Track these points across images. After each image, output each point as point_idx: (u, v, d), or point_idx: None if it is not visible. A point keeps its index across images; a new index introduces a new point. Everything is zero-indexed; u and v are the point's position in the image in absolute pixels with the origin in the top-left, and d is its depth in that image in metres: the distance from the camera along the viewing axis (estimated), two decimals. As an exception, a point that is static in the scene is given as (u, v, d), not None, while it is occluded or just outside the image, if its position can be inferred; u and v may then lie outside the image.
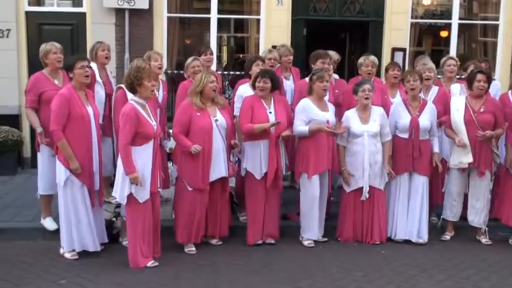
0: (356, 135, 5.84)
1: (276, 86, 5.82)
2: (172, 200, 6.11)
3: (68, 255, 5.39)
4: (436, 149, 5.97)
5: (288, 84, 6.76)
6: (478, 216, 6.05)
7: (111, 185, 5.93)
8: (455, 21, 9.11)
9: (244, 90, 6.01)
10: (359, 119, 5.88)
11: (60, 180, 5.27)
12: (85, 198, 5.32)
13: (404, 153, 5.91)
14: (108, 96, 6.23)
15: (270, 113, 5.72)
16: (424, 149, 5.90)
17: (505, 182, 6.08)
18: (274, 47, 7.23)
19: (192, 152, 5.33)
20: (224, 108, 5.68)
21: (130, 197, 5.09)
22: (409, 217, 5.96)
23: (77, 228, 5.31)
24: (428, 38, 10.18)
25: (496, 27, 9.27)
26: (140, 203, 5.10)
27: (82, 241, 5.36)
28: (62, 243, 5.41)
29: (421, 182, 5.93)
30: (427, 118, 5.89)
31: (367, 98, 5.82)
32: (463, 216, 6.16)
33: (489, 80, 5.99)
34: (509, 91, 6.46)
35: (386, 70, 6.57)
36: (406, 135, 5.92)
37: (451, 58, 6.97)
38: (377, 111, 5.94)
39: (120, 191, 5.10)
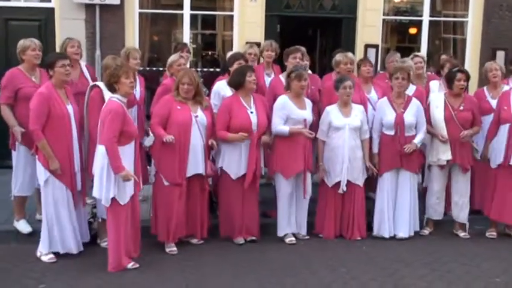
0: (337, 129, 5.83)
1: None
2: (150, 199, 5.97)
3: (45, 258, 5.20)
4: (416, 140, 5.91)
5: (270, 81, 6.69)
6: (462, 212, 6.12)
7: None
8: (426, 18, 9.20)
9: (221, 87, 5.90)
10: (340, 112, 5.86)
11: (40, 181, 5.13)
12: (67, 198, 5.16)
13: (392, 150, 5.91)
14: (81, 94, 6.04)
15: (252, 113, 5.65)
16: None
17: (486, 174, 6.16)
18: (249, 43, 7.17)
19: (164, 141, 5.21)
20: (206, 108, 5.58)
21: (113, 199, 4.94)
22: (396, 213, 5.97)
23: (58, 229, 5.16)
24: (398, 35, 10.27)
25: (464, 24, 9.41)
26: (121, 205, 4.96)
27: (64, 243, 5.19)
28: (43, 244, 5.21)
29: (408, 178, 5.95)
30: (411, 114, 5.91)
31: (348, 95, 5.81)
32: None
33: (468, 78, 6.06)
34: (485, 87, 6.58)
35: (358, 66, 6.59)
36: (392, 132, 5.93)
37: (417, 55, 7.06)
38: (357, 108, 5.95)
39: (105, 193, 4.92)
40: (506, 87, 6.39)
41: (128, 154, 4.95)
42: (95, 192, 4.99)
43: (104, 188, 4.90)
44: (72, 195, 5.19)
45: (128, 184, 4.96)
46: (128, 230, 5.06)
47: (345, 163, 5.81)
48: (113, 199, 4.92)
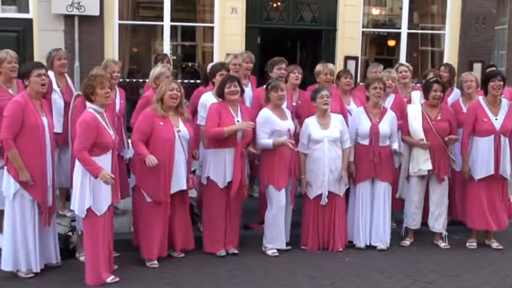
0: (316, 141, 5.82)
1: (242, 90, 5.77)
2: (130, 212, 5.88)
3: (22, 274, 5.04)
4: (394, 146, 5.95)
5: (247, 92, 6.65)
6: (437, 222, 6.14)
7: (67, 198, 5.67)
8: (404, 31, 9.31)
9: (207, 99, 5.86)
10: (319, 125, 5.86)
11: (8, 194, 4.93)
12: (35, 215, 4.98)
13: (366, 160, 5.93)
14: (69, 104, 5.96)
15: (238, 121, 5.62)
16: (384, 155, 5.94)
17: (465, 186, 6.19)
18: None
19: (147, 164, 5.14)
20: (188, 120, 5.53)
21: (88, 210, 4.83)
22: (373, 223, 5.98)
23: (23, 247, 4.95)
24: (377, 47, 10.37)
25: (441, 36, 9.53)
26: (98, 215, 4.86)
27: (28, 261, 5.00)
28: (4, 263, 4.97)
29: (382, 188, 5.96)
30: (387, 125, 5.94)
31: (325, 104, 5.81)
32: (422, 222, 6.23)
33: (444, 89, 6.10)
34: (460, 98, 6.63)
35: (339, 78, 6.60)
36: (366, 142, 5.95)
37: (402, 65, 7.12)
38: (336, 118, 5.96)
39: (78, 204, 4.83)
40: (480, 98, 6.41)
41: (104, 165, 4.83)
42: (72, 204, 4.88)
43: (77, 199, 4.80)
44: (42, 212, 5.00)
45: (104, 194, 4.85)
46: (106, 242, 4.95)
47: (326, 176, 5.80)
48: (89, 210, 4.82)
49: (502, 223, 6.11)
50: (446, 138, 5.91)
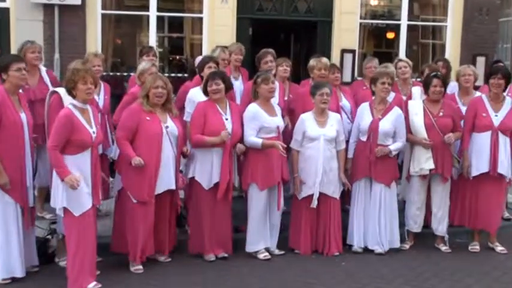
0: (312, 139, 5.81)
1: (229, 86, 5.72)
2: (113, 214, 5.85)
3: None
4: (392, 147, 5.90)
5: (237, 85, 6.68)
6: (441, 225, 6.17)
7: (46, 198, 5.63)
8: (403, 23, 9.31)
9: (195, 94, 5.83)
10: (315, 122, 5.85)
11: None
12: (17, 217, 4.96)
13: (362, 156, 5.94)
14: (40, 101, 5.91)
15: (227, 119, 5.60)
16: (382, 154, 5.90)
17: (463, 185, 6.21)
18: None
19: (132, 164, 5.12)
20: (176, 116, 5.51)
21: (65, 210, 4.80)
22: (368, 226, 5.98)
23: (5, 251, 4.93)
24: (375, 39, 10.38)
25: (443, 28, 9.55)
26: (75, 216, 4.80)
27: (9, 267, 4.97)
28: None
29: (378, 190, 5.95)
30: (389, 122, 5.92)
31: (324, 103, 5.80)
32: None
33: (445, 83, 6.12)
34: (456, 92, 6.66)
35: None
36: (365, 138, 5.96)
37: (401, 60, 7.14)
38: (334, 116, 5.95)
39: (54, 203, 4.82)
40: (478, 94, 6.44)
41: (81, 164, 4.82)
42: (52, 202, 4.86)
43: (54, 196, 4.79)
44: (23, 213, 4.98)
45: (83, 194, 4.81)
46: (89, 245, 4.90)
47: (318, 177, 5.78)
48: (66, 210, 4.79)
49: (494, 224, 6.14)
50: (445, 137, 5.90)
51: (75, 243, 4.84)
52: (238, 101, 6.37)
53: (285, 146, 5.66)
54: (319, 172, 5.78)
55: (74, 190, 4.71)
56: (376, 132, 5.88)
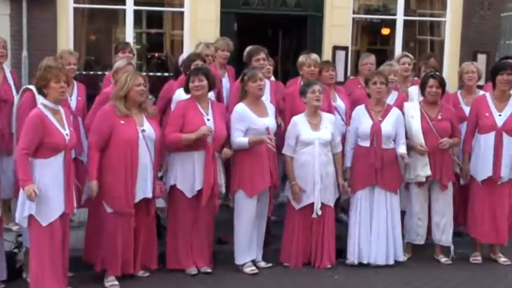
0: (306, 144, 5.79)
1: (212, 84, 5.68)
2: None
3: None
4: (400, 150, 5.86)
5: (224, 83, 6.65)
6: (445, 234, 6.15)
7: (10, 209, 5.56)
8: (400, 18, 9.34)
9: (182, 95, 5.79)
10: (309, 125, 5.83)
11: None
12: None
13: (365, 164, 5.90)
14: (5, 102, 5.84)
15: (208, 120, 5.57)
16: (387, 159, 5.89)
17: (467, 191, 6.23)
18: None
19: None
20: (152, 116, 5.47)
21: (32, 218, 4.75)
22: (372, 238, 5.95)
23: None
24: (369, 35, 10.41)
25: (442, 24, 9.60)
26: (43, 226, 4.75)
27: None
28: None
29: (383, 198, 5.94)
30: (390, 124, 5.92)
31: (317, 100, 5.78)
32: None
33: (442, 84, 6.09)
34: (458, 91, 6.68)
35: (320, 71, 6.54)
36: (367, 143, 5.92)
37: (406, 56, 7.11)
38: (328, 117, 5.93)
39: (19, 211, 4.76)
40: (481, 92, 6.46)
41: (53, 168, 4.78)
42: (18, 211, 4.79)
43: (19, 203, 4.73)
44: None
45: (53, 201, 4.76)
46: (57, 258, 4.86)
47: (317, 183, 5.77)
48: (33, 219, 4.73)
49: (502, 237, 6.13)
50: (439, 142, 5.88)
51: (40, 256, 4.78)
52: (225, 99, 6.37)
53: (273, 138, 5.63)
54: (317, 178, 5.76)
55: (59, 191, 4.72)
56: (379, 136, 5.86)
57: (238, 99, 5.84)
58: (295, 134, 5.82)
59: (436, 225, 6.16)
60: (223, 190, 5.84)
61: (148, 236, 5.56)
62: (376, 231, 5.94)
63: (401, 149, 5.87)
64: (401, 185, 6.12)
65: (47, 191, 4.74)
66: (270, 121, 5.79)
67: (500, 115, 6.01)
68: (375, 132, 5.87)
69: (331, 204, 5.94)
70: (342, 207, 6.30)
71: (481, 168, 6.04)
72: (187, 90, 5.64)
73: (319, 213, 5.81)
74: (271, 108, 5.90)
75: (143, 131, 5.29)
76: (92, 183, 5.16)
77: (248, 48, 6.52)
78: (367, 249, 5.95)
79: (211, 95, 5.87)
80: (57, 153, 4.82)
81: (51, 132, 4.76)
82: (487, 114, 6.02)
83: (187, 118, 5.51)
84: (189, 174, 5.55)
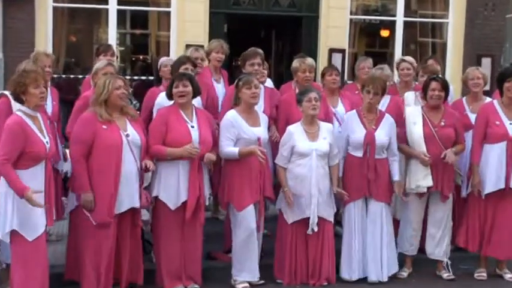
0: (302, 155, 5.77)
1: (196, 91, 5.66)
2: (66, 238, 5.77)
3: None
4: (397, 177, 5.97)
5: (219, 88, 6.64)
6: (438, 248, 6.14)
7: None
8: (399, 19, 9.39)
9: (165, 98, 5.77)
10: (305, 135, 5.82)
11: None
12: None
13: (358, 175, 5.91)
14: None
15: (192, 127, 5.55)
16: (380, 169, 5.91)
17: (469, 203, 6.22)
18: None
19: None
20: (136, 120, 5.46)
21: (15, 234, 4.71)
22: (366, 252, 5.95)
23: None
24: (368, 38, 10.45)
25: (444, 25, 9.65)
26: (29, 241, 4.73)
27: None
28: None
29: (378, 209, 5.95)
30: (384, 133, 5.93)
31: (314, 109, 5.77)
32: (421, 248, 6.25)
33: (445, 87, 6.11)
34: (463, 98, 6.70)
35: (323, 75, 6.59)
36: (360, 153, 5.92)
37: (405, 60, 7.12)
38: (326, 127, 5.92)
39: (1, 227, 4.71)
40: (488, 99, 6.47)
41: (34, 180, 4.74)
42: None
43: (1, 218, 4.70)
44: None
45: (37, 214, 4.73)
46: (40, 274, 4.82)
47: (314, 197, 5.75)
48: (16, 234, 4.70)
49: (506, 252, 6.13)
50: (442, 155, 5.88)
51: (25, 275, 4.75)
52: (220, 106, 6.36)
53: (265, 150, 5.61)
54: (314, 192, 5.74)
55: (24, 212, 4.65)
56: (373, 146, 5.87)
57: (231, 105, 5.84)
58: (290, 145, 5.79)
59: (432, 237, 6.15)
60: (207, 202, 5.82)
61: (135, 248, 5.52)
62: (370, 245, 5.94)
63: (396, 176, 5.96)
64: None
65: (29, 204, 4.69)
66: (261, 131, 5.77)
67: (511, 123, 6.02)
68: (369, 142, 5.88)
69: (331, 219, 5.92)
70: (338, 220, 6.28)
71: (490, 180, 6.03)
72: (170, 96, 5.63)
73: (316, 229, 5.79)
74: (263, 119, 5.90)
75: (127, 135, 5.28)
76: (87, 195, 5.13)
77: (244, 52, 6.48)
78: (362, 265, 5.94)
79: (197, 101, 5.86)
80: (37, 163, 4.80)
81: (32, 140, 4.74)
82: (497, 122, 6.02)
83: (170, 126, 5.48)
84: (173, 185, 5.51)
